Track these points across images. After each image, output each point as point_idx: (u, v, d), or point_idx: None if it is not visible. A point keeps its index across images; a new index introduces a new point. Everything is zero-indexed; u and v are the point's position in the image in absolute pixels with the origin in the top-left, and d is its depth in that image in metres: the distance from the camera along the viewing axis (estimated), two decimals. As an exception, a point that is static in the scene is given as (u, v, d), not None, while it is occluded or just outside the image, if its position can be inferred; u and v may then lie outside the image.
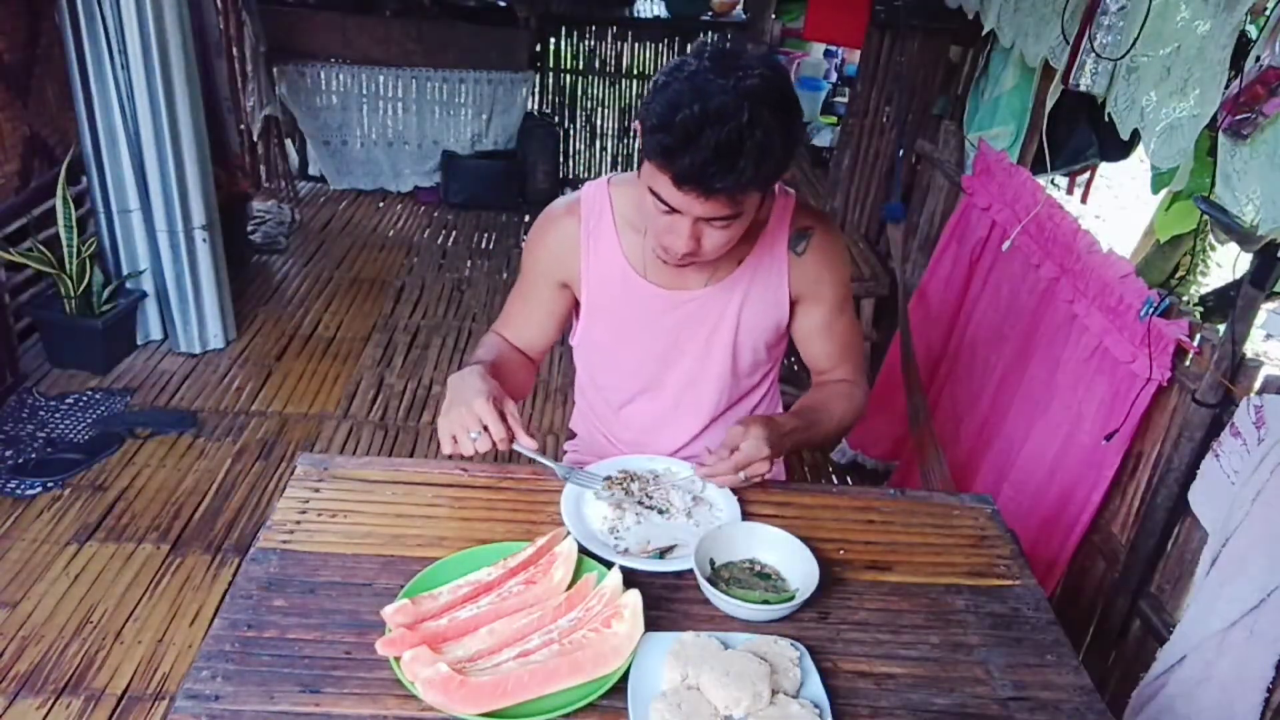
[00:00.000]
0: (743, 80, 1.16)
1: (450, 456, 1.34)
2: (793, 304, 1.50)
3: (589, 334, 1.55)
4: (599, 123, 5.84)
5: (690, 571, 1.21)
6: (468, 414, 1.29)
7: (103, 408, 3.20)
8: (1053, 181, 3.46)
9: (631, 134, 5.87)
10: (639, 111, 1.25)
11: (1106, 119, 2.01)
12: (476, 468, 1.43)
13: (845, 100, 4.10)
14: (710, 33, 5.53)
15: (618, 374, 1.59)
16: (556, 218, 1.50)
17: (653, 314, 1.48)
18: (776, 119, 1.17)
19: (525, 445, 1.33)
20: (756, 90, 1.16)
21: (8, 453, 2.91)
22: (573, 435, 1.79)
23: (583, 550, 1.23)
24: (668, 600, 1.21)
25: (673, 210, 1.23)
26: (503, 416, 1.31)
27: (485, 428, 1.29)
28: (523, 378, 1.58)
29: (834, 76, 4.79)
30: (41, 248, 3.22)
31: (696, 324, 1.48)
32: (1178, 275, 4.03)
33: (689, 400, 1.57)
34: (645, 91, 6.12)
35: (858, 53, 3.80)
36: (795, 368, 3.38)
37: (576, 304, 1.55)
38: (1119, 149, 2.83)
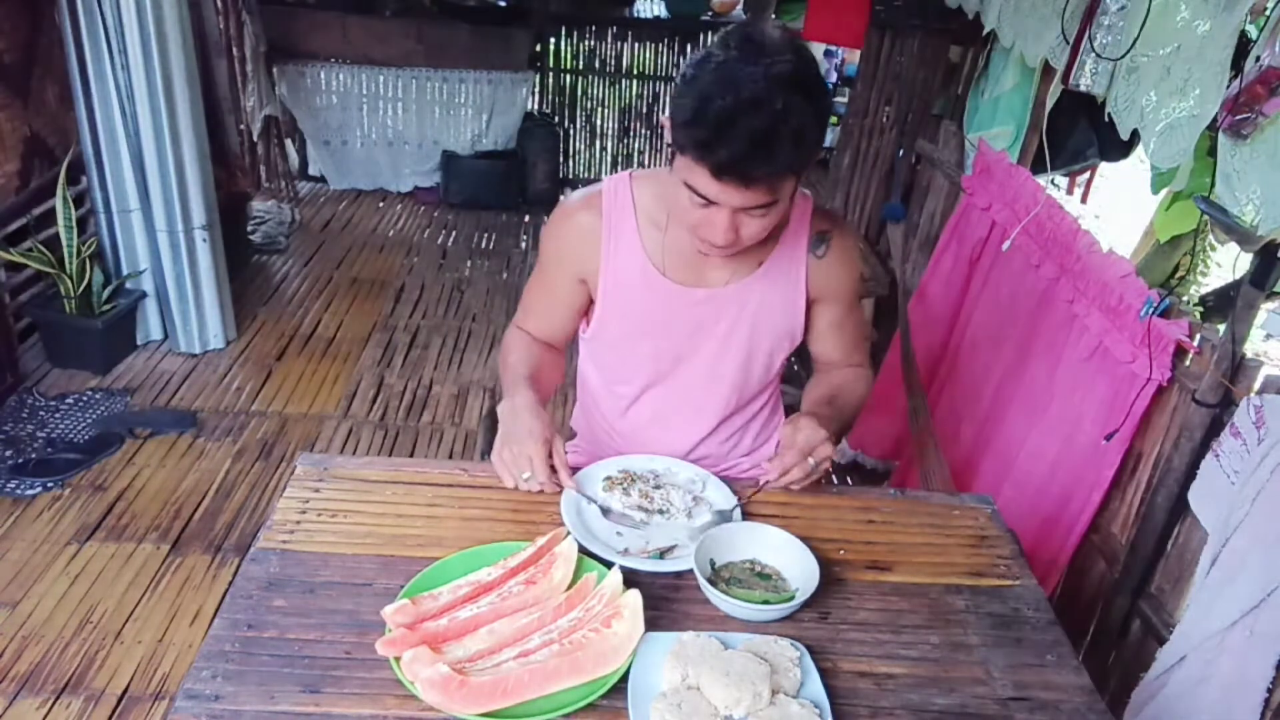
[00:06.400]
0: (772, 67, 1.15)
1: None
2: (809, 304, 1.51)
3: (604, 328, 1.55)
4: (599, 123, 5.85)
5: (690, 571, 1.21)
6: (520, 456, 1.35)
7: (103, 408, 3.20)
8: (1053, 181, 3.45)
9: (632, 135, 5.87)
10: (669, 105, 1.25)
11: (1106, 119, 2.01)
12: (476, 468, 1.43)
13: (845, 100, 4.09)
14: (710, 33, 5.54)
15: (629, 368, 1.59)
16: (574, 212, 1.49)
17: (670, 310, 1.48)
18: (809, 103, 1.17)
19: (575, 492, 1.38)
20: (787, 76, 1.15)
21: (8, 453, 2.91)
22: (573, 435, 1.79)
23: (583, 550, 1.23)
24: (668, 600, 1.21)
25: (710, 203, 1.24)
26: (552, 466, 1.36)
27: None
28: (555, 375, 1.61)
29: (834, 76, 4.79)
30: (41, 248, 3.22)
31: (713, 321, 1.49)
32: (1178, 275, 4.02)
33: (697, 399, 1.57)
34: (645, 91, 6.04)
35: (858, 53, 3.80)
36: (795, 367, 3.38)
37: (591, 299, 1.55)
38: (1119, 149, 2.82)
